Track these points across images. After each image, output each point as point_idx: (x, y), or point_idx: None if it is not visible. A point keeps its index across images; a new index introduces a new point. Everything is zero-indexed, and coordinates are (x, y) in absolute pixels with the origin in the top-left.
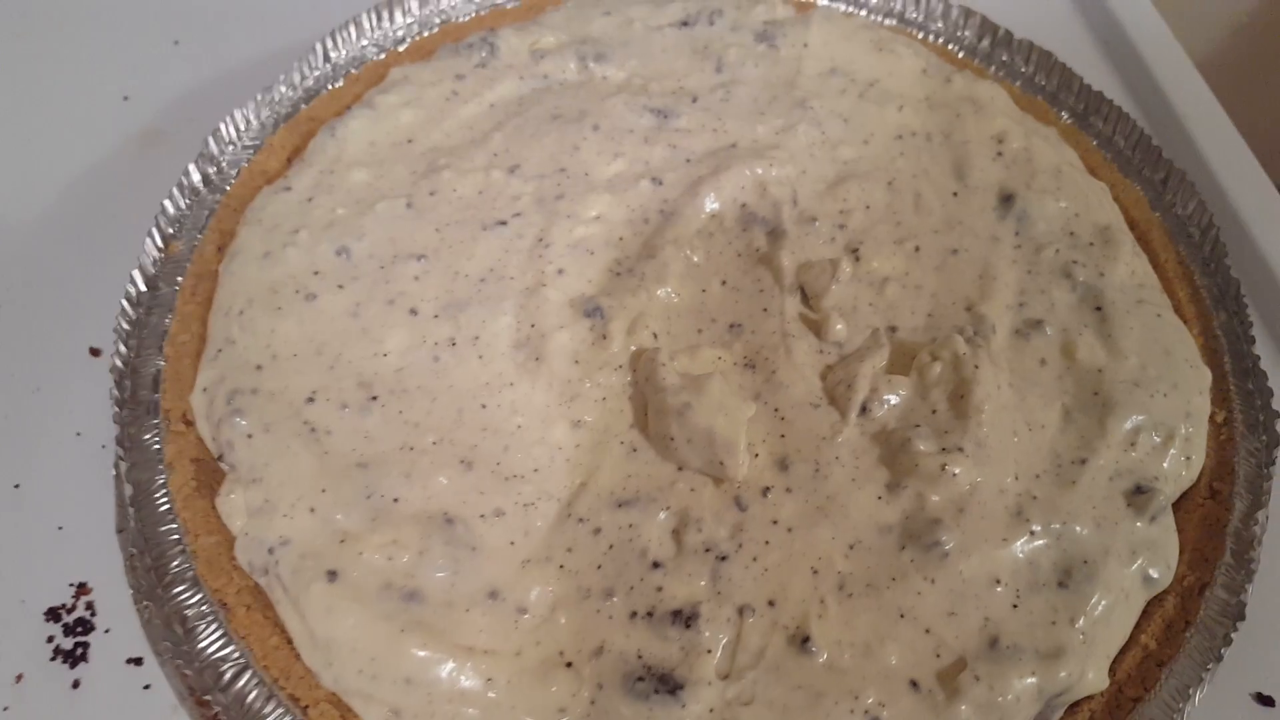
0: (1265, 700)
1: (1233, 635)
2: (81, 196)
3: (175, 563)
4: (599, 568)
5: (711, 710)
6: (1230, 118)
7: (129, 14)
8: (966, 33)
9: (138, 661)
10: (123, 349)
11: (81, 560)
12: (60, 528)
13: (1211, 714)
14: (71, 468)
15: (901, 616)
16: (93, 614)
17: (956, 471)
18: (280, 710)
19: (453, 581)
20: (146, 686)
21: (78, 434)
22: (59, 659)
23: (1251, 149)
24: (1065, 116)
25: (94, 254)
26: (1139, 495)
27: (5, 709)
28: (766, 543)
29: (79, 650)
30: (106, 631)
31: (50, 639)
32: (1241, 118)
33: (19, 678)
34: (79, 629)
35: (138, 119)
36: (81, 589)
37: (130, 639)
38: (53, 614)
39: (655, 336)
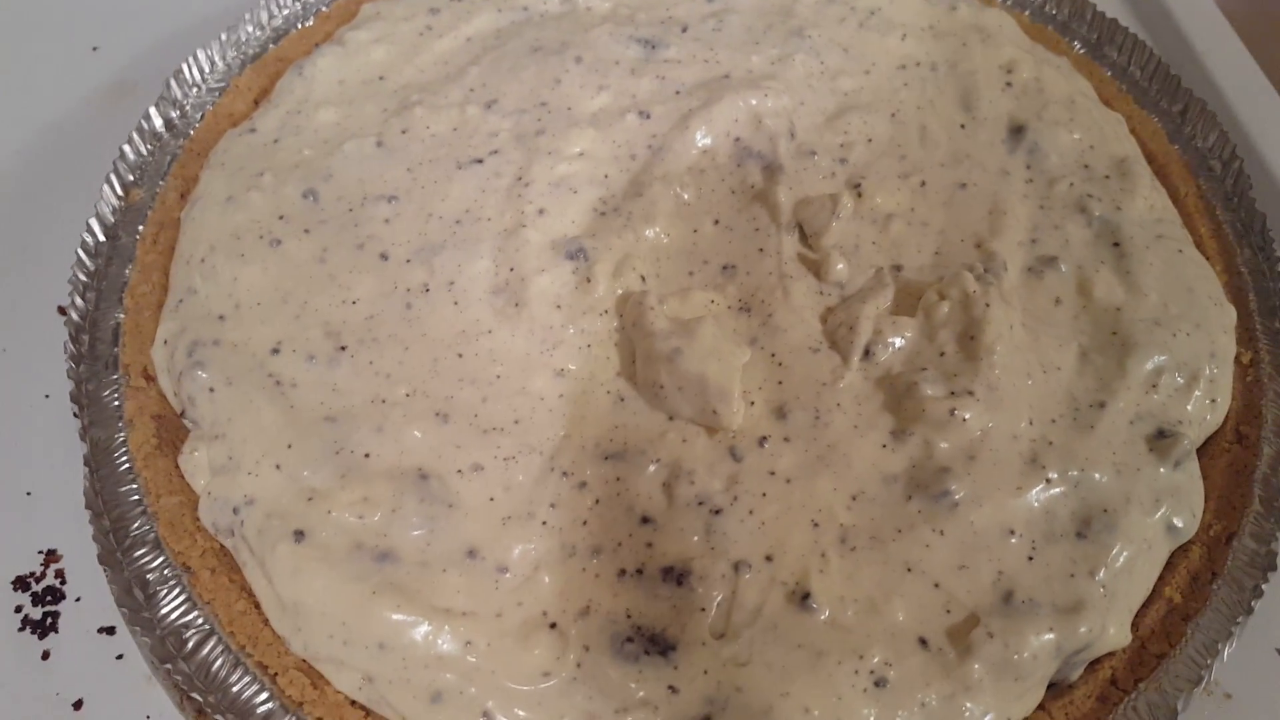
0: None
1: (1263, 587)
2: (50, 150)
3: (136, 524)
4: (585, 524)
5: (706, 672)
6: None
7: None
8: None
9: (110, 631)
10: (80, 302)
11: (51, 527)
12: (28, 493)
13: (1238, 671)
14: (40, 431)
15: (909, 570)
16: (63, 582)
17: (966, 416)
18: (248, 679)
19: (428, 540)
20: (119, 657)
21: (46, 396)
22: (27, 629)
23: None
24: (1078, 46)
25: (62, 210)
26: (1161, 440)
27: None
28: (763, 495)
29: (48, 620)
30: (77, 600)
31: (18, 609)
32: (1261, 55)
33: None
34: (48, 598)
35: (108, 70)
36: (51, 556)
37: (102, 608)
38: (20, 583)
39: (643, 279)
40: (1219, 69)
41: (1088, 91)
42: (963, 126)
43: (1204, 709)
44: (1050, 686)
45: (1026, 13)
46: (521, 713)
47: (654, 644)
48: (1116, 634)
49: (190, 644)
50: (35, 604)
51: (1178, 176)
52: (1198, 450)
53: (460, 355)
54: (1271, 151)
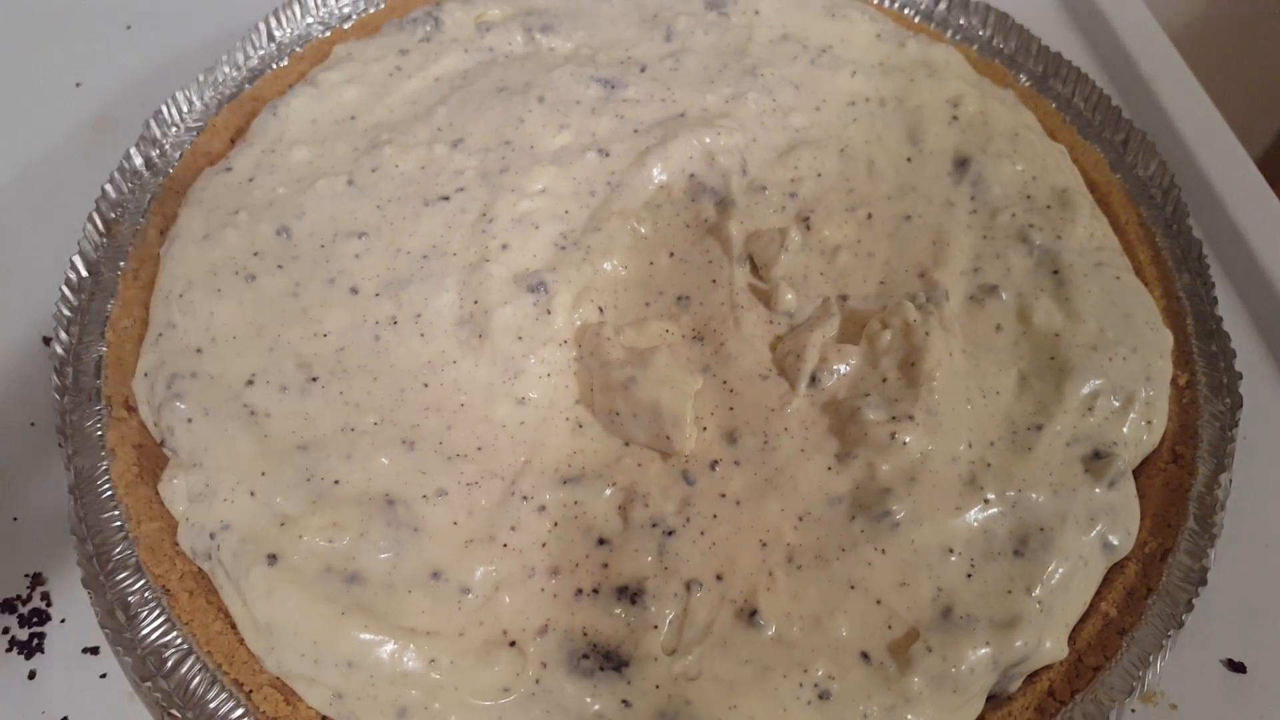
0: (1236, 666)
1: (1194, 601)
2: (34, 185)
3: (118, 549)
4: (544, 546)
5: (658, 686)
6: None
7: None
8: None
9: (94, 651)
10: (64, 336)
11: (36, 551)
12: (15, 518)
13: (1183, 682)
14: (26, 458)
15: (852, 588)
16: (48, 604)
17: (907, 440)
18: (224, 695)
19: (394, 563)
20: (103, 675)
21: (31, 424)
22: (14, 650)
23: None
24: (1024, 79)
25: (46, 243)
26: (1097, 461)
27: None
28: (714, 516)
29: (34, 641)
30: (62, 622)
31: (5, 630)
32: (1209, 85)
33: None
34: (34, 620)
35: (90, 106)
36: (36, 579)
37: (86, 629)
38: (8, 605)
39: (601, 310)
40: (1166, 95)
41: (1032, 124)
42: (909, 160)
43: (1150, 718)
44: (990, 698)
45: (975, 47)
46: None
47: (609, 660)
48: (1053, 647)
49: (170, 663)
50: (22, 626)
51: (1119, 205)
52: (1135, 470)
53: (426, 385)
54: (1218, 176)
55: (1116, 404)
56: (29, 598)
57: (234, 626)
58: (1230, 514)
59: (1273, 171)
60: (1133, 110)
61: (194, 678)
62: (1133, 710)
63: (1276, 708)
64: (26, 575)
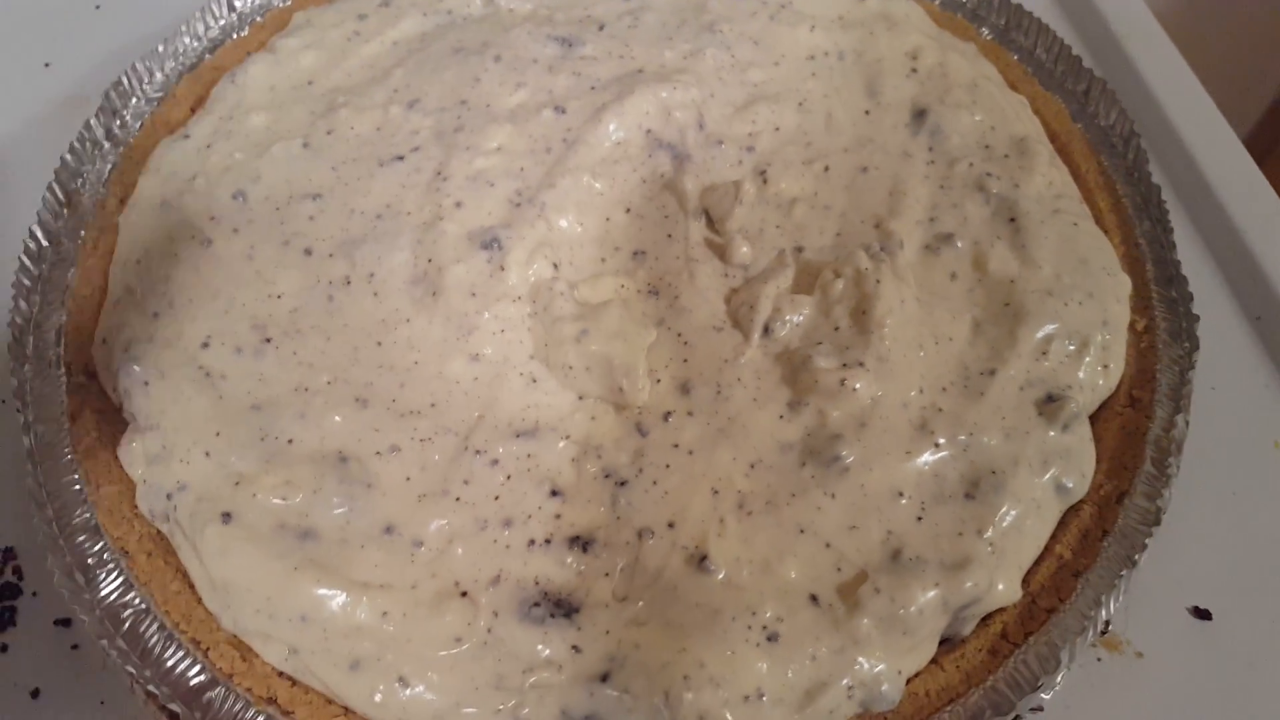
0: (1202, 613)
1: (1147, 542)
2: (5, 165)
3: (77, 512)
4: (496, 499)
5: (607, 632)
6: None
7: None
8: None
9: (65, 623)
10: (23, 305)
11: (5, 525)
12: None
13: (1149, 630)
14: None
15: (801, 532)
16: (19, 578)
17: (857, 386)
18: (181, 654)
19: (348, 519)
20: (74, 647)
21: (1, 401)
22: None
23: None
24: (986, 33)
25: (16, 223)
26: (1050, 404)
27: None
28: (667, 466)
29: (6, 614)
30: (34, 595)
31: None
32: (1197, 63)
33: None
34: (5, 594)
35: (60, 85)
36: (8, 554)
37: (57, 601)
38: None
39: (556, 266)
40: (1136, 51)
41: (992, 75)
42: (867, 113)
43: (1116, 667)
44: (944, 641)
45: (936, 2)
46: (435, 676)
47: (559, 607)
48: (1006, 590)
49: (128, 623)
50: None
51: (1079, 154)
52: (1093, 414)
53: (380, 344)
54: (1187, 127)
55: (1071, 348)
56: (0, 571)
57: (192, 586)
58: (1194, 461)
59: (1260, 147)
60: (1100, 62)
61: (151, 636)
62: (1098, 660)
63: (1241, 653)
64: None
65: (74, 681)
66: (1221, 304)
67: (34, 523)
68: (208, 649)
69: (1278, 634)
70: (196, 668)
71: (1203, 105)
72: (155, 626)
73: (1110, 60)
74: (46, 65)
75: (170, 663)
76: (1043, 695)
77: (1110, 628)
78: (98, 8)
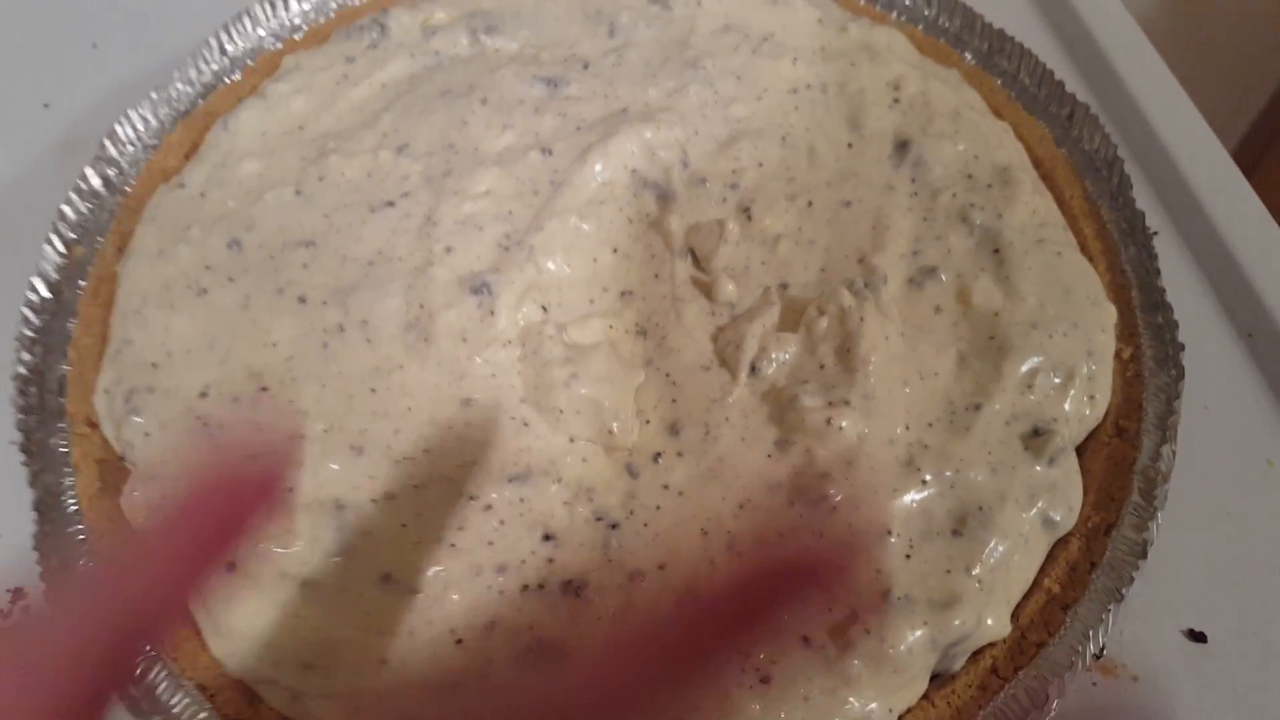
0: (1197, 636)
1: (1134, 575)
2: (6, 208)
3: (81, 562)
4: (490, 544)
5: None
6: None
7: (45, 19)
8: None
9: None
10: (27, 356)
11: (17, 567)
12: None
13: (1145, 654)
14: (3, 478)
15: None
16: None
17: (843, 425)
18: (188, 700)
19: (346, 567)
20: None
21: (11, 442)
22: None
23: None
24: (969, 58)
25: (17, 267)
26: (1036, 438)
27: None
28: (658, 508)
29: None
30: None
31: None
32: (1184, 77)
33: None
34: None
35: (58, 127)
36: (18, 594)
37: None
38: None
39: (545, 309)
40: (1123, 65)
41: (975, 103)
42: (850, 145)
43: (1112, 690)
44: (935, 677)
45: (920, 27)
46: None
47: (553, 653)
48: (995, 625)
49: (136, 670)
50: None
51: (1064, 179)
52: (1079, 445)
53: (374, 390)
54: (1177, 146)
55: (1057, 380)
56: (10, 613)
57: (198, 633)
58: (1183, 486)
59: (1247, 160)
60: (1089, 81)
61: (160, 683)
62: (1094, 684)
63: (1236, 674)
64: (8, 590)
65: None
66: (1213, 322)
67: (40, 572)
68: (214, 694)
69: (1274, 656)
70: (204, 713)
71: (1189, 118)
72: (163, 673)
73: (1096, 75)
74: (45, 106)
75: (178, 709)
76: None
77: (1105, 652)
78: (94, 46)
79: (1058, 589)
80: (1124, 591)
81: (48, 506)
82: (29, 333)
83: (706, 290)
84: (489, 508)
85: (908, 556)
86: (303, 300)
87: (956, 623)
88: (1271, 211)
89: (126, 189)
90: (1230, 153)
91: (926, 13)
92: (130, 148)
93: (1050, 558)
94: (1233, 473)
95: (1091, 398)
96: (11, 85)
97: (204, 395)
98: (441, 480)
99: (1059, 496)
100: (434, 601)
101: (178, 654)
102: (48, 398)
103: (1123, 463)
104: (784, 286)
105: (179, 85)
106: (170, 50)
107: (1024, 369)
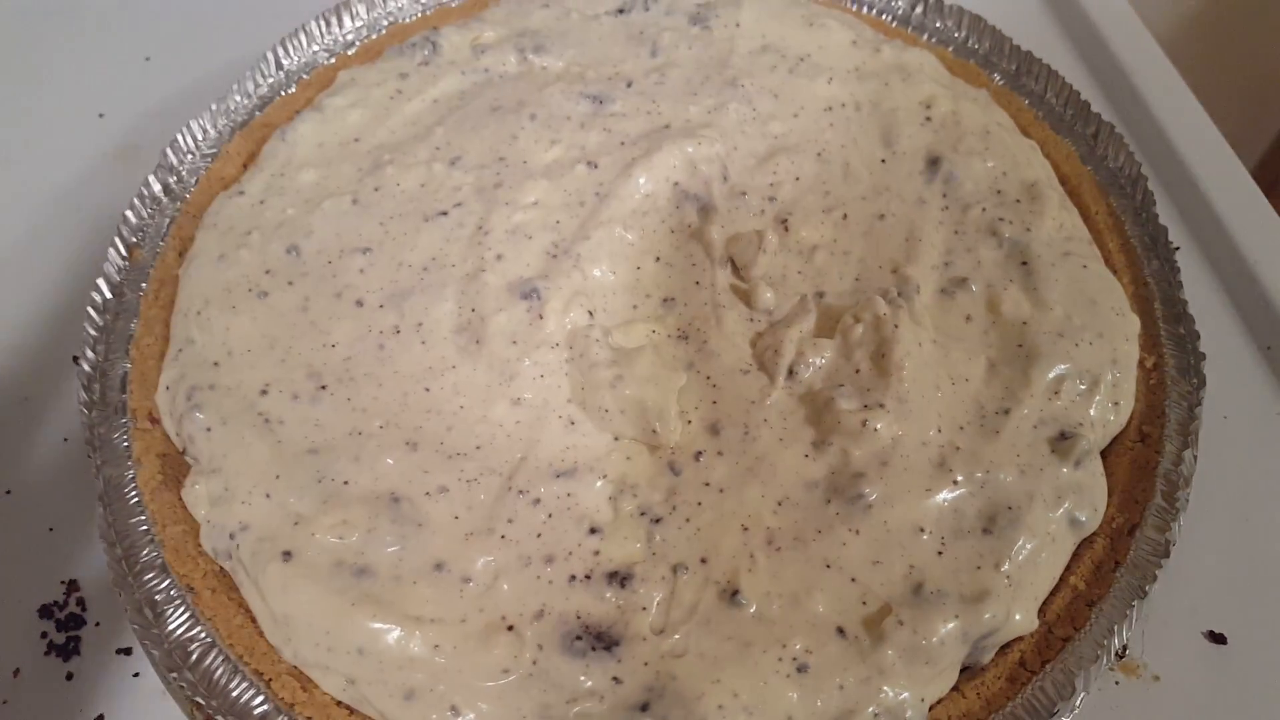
0: (1217, 638)
1: (1157, 573)
2: (63, 213)
3: (145, 552)
4: (539, 536)
5: (646, 664)
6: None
7: (101, 32)
8: (899, 2)
9: (127, 651)
10: (90, 354)
11: (71, 559)
12: (51, 529)
13: (1166, 655)
14: (60, 471)
15: (828, 567)
16: (83, 609)
17: (878, 427)
18: (245, 684)
19: (401, 556)
20: (135, 674)
21: (65, 439)
22: (53, 653)
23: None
24: (998, 79)
25: (75, 267)
26: (1063, 441)
27: (4, 702)
28: (699, 504)
29: (71, 644)
30: (97, 625)
31: (44, 634)
32: (1202, 92)
33: (16, 672)
34: (70, 624)
35: (113, 135)
36: (72, 586)
37: (119, 631)
38: (45, 611)
39: (591, 314)
40: (1144, 84)
41: (1004, 121)
42: (883, 161)
43: (1133, 690)
44: (965, 669)
45: (950, 49)
46: (484, 706)
47: (600, 641)
48: (1023, 620)
49: (194, 655)
50: (59, 630)
51: (1089, 195)
52: (1104, 450)
53: (427, 389)
54: (1198, 164)
55: (1083, 387)
56: (65, 603)
57: (254, 620)
58: (1208, 488)
59: (1266, 179)
60: (1112, 100)
61: (217, 669)
62: (1116, 683)
63: (1256, 677)
64: (62, 582)
65: (135, 707)
66: (1233, 333)
67: (105, 561)
68: (270, 680)
69: None
70: (260, 698)
71: (1211, 137)
72: (220, 659)
73: (1120, 95)
74: (100, 116)
75: (235, 693)
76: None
77: (1127, 652)
78: (148, 59)
79: (1083, 586)
80: (1147, 589)
81: (111, 498)
82: (92, 332)
83: (745, 298)
84: (537, 502)
85: (939, 553)
86: (360, 304)
87: (987, 616)
88: None
89: (186, 196)
90: (1250, 171)
91: (957, 35)
92: (190, 156)
93: (1076, 556)
94: (1251, 478)
95: (1116, 404)
96: (69, 95)
97: (264, 393)
98: (492, 475)
99: (1085, 498)
100: (485, 590)
101: (233, 640)
102: (110, 394)
103: (1146, 466)
104: (820, 295)
105: (236, 97)
106: (219, 63)
107: (1051, 376)
